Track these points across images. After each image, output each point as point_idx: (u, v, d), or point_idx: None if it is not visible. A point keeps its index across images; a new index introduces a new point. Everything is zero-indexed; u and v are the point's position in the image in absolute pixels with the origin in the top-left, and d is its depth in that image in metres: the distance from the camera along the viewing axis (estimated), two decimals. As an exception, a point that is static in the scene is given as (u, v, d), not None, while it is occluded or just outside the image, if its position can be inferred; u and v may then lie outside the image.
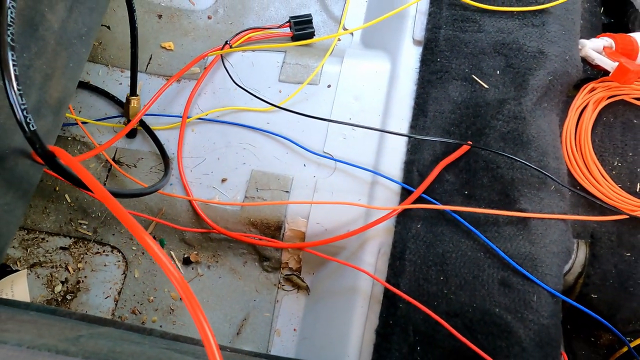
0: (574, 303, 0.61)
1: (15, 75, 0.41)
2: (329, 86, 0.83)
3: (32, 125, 0.43)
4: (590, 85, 0.75)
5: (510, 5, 0.75)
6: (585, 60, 0.77)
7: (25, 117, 0.42)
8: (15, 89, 0.41)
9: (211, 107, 0.85)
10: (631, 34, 0.80)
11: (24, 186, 0.55)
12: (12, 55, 0.41)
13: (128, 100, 0.81)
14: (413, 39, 0.80)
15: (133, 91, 0.80)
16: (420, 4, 0.82)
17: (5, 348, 0.34)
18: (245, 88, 0.80)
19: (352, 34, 0.94)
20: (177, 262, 0.80)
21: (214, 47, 0.92)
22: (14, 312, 0.49)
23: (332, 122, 0.78)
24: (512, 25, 0.75)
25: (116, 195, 0.60)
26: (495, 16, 0.76)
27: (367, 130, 0.77)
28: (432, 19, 0.78)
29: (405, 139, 0.74)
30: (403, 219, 0.68)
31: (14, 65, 0.40)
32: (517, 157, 0.65)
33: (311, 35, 0.91)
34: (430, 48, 0.77)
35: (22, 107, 0.41)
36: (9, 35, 0.41)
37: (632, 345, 0.70)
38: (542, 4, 0.74)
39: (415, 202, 0.68)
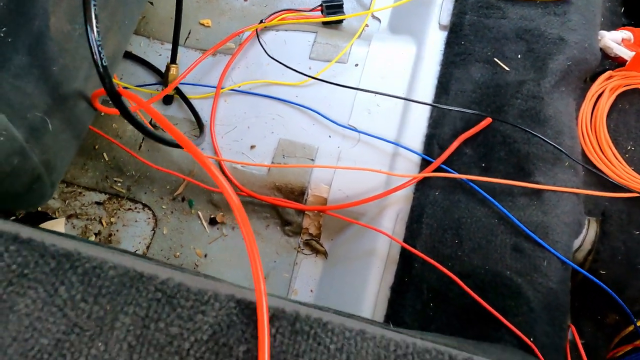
0: (582, 271, 0.64)
1: (96, 15, 0.46)
2: (356, 65, 0.87)
3: (105, 61, 0.48)
4: (608, 73, 0.79)
5: (535, -5, 0.80)
6: (603, 52, 0.81)
7: (100, 53, 0.47)
8: (95, 26, 0.46)
9: (244, 80, 0.90)
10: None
11: (79, 127, 0.60)
12: (94, -4, 0.46)
13: (168, 68, 0.86)
14: (439, 23, 0.85)
15: (173, 59, 0.86)
16: (447, -5, 0.87)
17: (73, 241, 0.39)
18: (278, 60, 0.86)
19: (379, 20, 0.99)
20: (203, 222, 0.84)
21: (248, 24, 0.97)
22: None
23: (358, 96, 0.83)
24: (534, 13, 0.79)
25: (163, 141, 0.66)
26: (518, 4, 0.80)
27: (390, 105, 0.82)
28: (458, 5, 0.83)
29: (426, 114, 0.78)
30: (422, 186, 0.72)
31: (94, 5, 0.46)
32: (534, 132, 0.69)
33: (341, 20, 0.96)
34: (455, 32, 0.81)
35: (98, 43, 0.47)
36: (90, -22, 0.46)
37: (638, 324, 0.72)
38: (565, -6, 0.79)
39: (434, 171, 0.72)
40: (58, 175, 0.59)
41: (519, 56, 0.76)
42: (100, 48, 0.47)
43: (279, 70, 0.88)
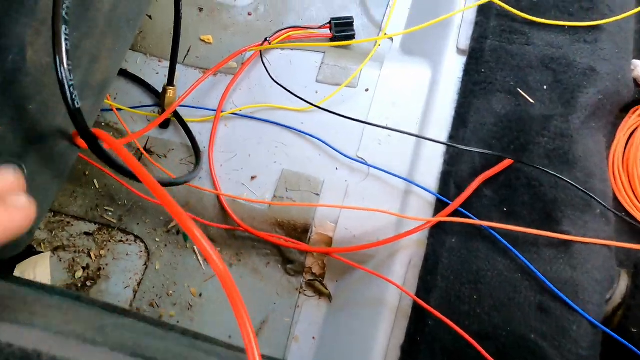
0: (618, 337, 0.58)
1: (67, 50, 0.40)
2: (366, 90, 0.81)
3: (77, 103, 0.42)
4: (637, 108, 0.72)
5: (562, 20, 0.73)
6: (636, 83, 0.74)
7: (72, 94, 0.41)
8: (65, 63, 0.40)
9: (246, 103, 0.84)
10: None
11: (60, 167, 0.54)
12: (65, 29, 0.41)
13: (164, 90, 0.80)
14: (457, 47, 0.78)
15: (170, 81, 0.80)
16: (467, 13, 0.81)
17: (34, 331, 0.33)
18: (282, 85, 0.80)
19: (391, 39, 0.92)
20: (199, 257, 0.79)
21: (252, 41, 0.91)
22: (40, 295, 0.48)
23: (367, 125, 0.76)
24: (562, 40, 0.72)
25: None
26: (545, 30, 0.73)
27: (403, 137, 0.76)
28: (478, 29, 0.76)
29: (442, 148, 0.72)
30: (437, 231, 0.66)
31: (66, 39, 0.40)
32: (562, 176, 0.62)
33: (351, 37, 0.89)
34: (475, 58, 0.75)
35: (70, 82, 0.41)
36: (64, 9, 0.41)
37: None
38: (595, 20, 0.72)
39: (451, 215, 0.66)
40: (37, 220, 0.53)
41: (545, 87, 0.70)
42: (71, 88, 0.41)
43: (284, 93, 0.82)
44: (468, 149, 0.67)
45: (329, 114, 0.78)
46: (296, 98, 0.80)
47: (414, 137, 0.75)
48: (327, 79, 0.83)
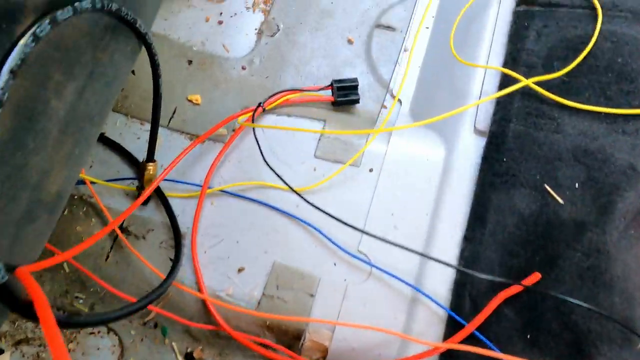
0: None
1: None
2: (370, 170, 0.72)
3: (3, 277, 0.34)
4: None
5: (598, 104, 0.64)
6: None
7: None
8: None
9: (235, 178, 0.75)
10: None
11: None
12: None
13: (144, 167, 0.72)
14: (475, 126, 0.70)
15: (150, 157, 0.71)
16: (487, 86, 0.71)
17: None
18: (272, 168, 0.70)
19: (400, 102, 0.83)
20: (178, 355, 0.70)
21: (245, 103, 0.82)
22: None
23: (370, 214, 0.68)
24: (597, 129, 0.63)
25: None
26: (577, 115, 0.64)
27: (410, 230, 0.67)
28: (500, 109, 0.67)
29: (456, 249, 0.63)
30: (448, 358, 0.57)
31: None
32: (597, 308, 0.53)
33: (355, 102, 0.80)
34: (496, 144, 0.66)
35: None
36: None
37: None
38: (637, 107, 0.63)
39: (465, 339, 0.57)
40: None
41: (577, 185, 0.61)
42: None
43: (278, 167, 0.73)
44: (486, 277, 0.58)
45: (328, 194, 0.70)
46: (292, 173, 0.71)
47: (424, 232, 0.66)
48: (327, 155, 0.74)
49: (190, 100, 0.82)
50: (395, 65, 0.85)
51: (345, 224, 0.63)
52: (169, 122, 0.80)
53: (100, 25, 0.46)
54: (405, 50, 0.86)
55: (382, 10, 0.90)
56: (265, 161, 0.70)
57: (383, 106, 0.82)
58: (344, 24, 0.89)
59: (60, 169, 0.47)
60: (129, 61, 0.53)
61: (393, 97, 0.82)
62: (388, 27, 0.88)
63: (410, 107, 0.80)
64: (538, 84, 0.64)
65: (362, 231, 0.63)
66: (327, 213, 0.64)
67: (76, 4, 0.40)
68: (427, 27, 0.87)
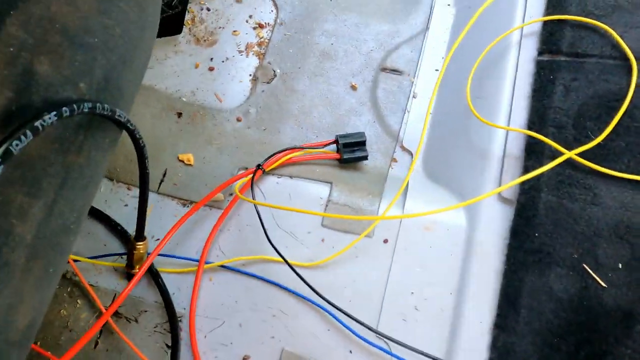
0: None
1: None
2: (385, 241, 0.65)
3: None
4: None
5: (638, 173, 0.57)
6: None
7: None
8: None
9: (236, 250, 0.67)
10: None
11: None
12: None
13: (132, 246, 0.64)
14: (500, 194, 0.63)
15: (139, 235, 0.64)
16: (510, 145, 0.65)
17: None
18: (274, 245, 0.62)
19: (411, 154, 0.76)
20: None
21: (242, 161, 0.75)
22: None
23: (387, 293, 0.61)
24: (640, 201, 0.57)
25: None
26: (616, 184, 0.57)
27: (434, 311, 0.60)
28: (528, 179, 0.60)
29: (487, 338, 0.56)
30: None
31: None
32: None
33: (364, 158, 0.73)
34: (526, 217, 0.59)
35: None
36: None
37: None
38: (682, 175, 0.56)
39: None
40: None
41: (620, 266, 0.54)
42: None
43: (282, 237, 0.66)
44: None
45: (338, 269, 0.63)
46: (298, 246, 0.64)
47: (449, 315, 0.59)
48: (335, 224, 0.66)
49: (181, 161, 0.74)
50: (404, 113, 0.78)
51: (357, 321, 0.56)
52: (159, 186, 0.73)
53: (70, 126, 0.38)
54: (414, 97, 0.79)
55: (387, 51, 0.83)
56: (267, 237, 0.63)
57: (393, 160, 0.75)
58: (346, 68, 0.82)
59: (30, 298, 0.39)
60: (107, 153, 0.46)
61: (403, 149, 0.76)
62: (394, 71, 0.81)
63: (423, 162, 0.73)
64: (564, 143, 0.58)
65: (373, 330, 0.56)
66: (335, 306, 0.57)
67: (63, 108, 0.33)
68: (437, 70, 0.80)
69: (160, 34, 0.80)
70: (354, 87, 0.80)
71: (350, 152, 0.72)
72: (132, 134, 0.46)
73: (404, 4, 0.87)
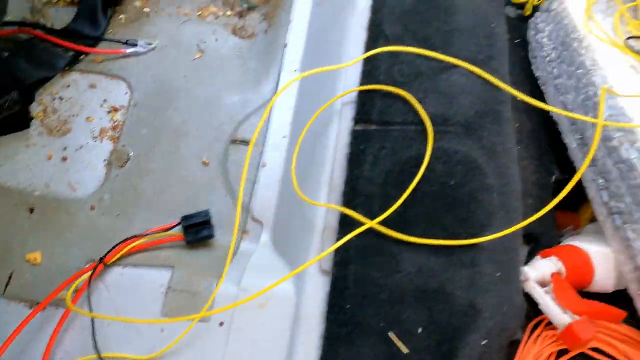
0: None
1: None
2: (221, 324, 0.66)
3: None
4: (536, 332, 0.60)
5: (434, 236, 0.60)
6: (528, 297, 0.62)
7: None
8: None
9: (84, 349, 0.68)
10: (581, 245, 0.65)
11: None
12: None
13: (-36, 363, 0.64)
14: (320, 266, 0.65)
15: (-29, 350, 0.63)
16: (331, 216, 0.67)
17: None
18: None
19: (261, 224, 0.78)
20: None
21: (93, 252, 0.74)
22: None
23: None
24: (436, 265, 0.59)
25: None
26: (415, 250, 0.60)
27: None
28: (340, 249, 0.62)
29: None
30: None
31: None
32: None
33: (209, 237, 0.75)
34: (340, 289, 0.61)
35: None
36: None
37: None
38: (473, 235, 0.59)
39: None
40: None
41: (420, 331, 0.57)
42: None
43: (124, 330, 0.66)
44: None
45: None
46: (140, 340, 0.65)
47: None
48: (174, 311, 0.67)
49: (28, 260, 0.74)
50: (254, 184, 0.80)
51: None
52: (5, 289, 0.72)
53: None
54: (263, 166, 0.81)
55: (238, 122, 0.85)
56: (95, 345, 0.63)
57: (245, 232, 0.77)
58: (198, 144, 0.84)
59: None
60: None
61: (254, 220, 0.78)
62: (243, 142, 0.84)
63: (272, 233, 0.75)
64: (368, 212, 0.61)
65: None
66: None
67: None
68: (284, 136, 0.83)
69: (4, 132, 0.81)
70: (205, 163, 0.82)
71: (194, 232, 0.73)
72: None
73: (255, 73, 0.90)
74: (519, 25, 0.88)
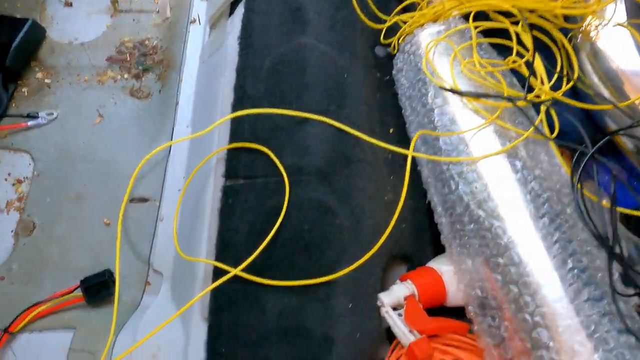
0: None
1: None
2: (121, 380, 0.71)
3: None
4: (395, 354, 0.67)
5: (292, 278, 0.66)
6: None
7: None
8: None
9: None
10: (435, 265, 0.72)
11: None
12: None
13: None
14: (202, 315, 0.70)
15: None
16: (209, 268, 0.72)
17: None
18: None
19: (162, 275, 0.83)
20: None
21: (3, 321, 0.79)
22: None
23: None
24: (296, 303, 0.65)
25: None
26: (278, 292, 0.65)
27: None
28: (212, 298, 0.67)
29: None
30: None
31: None
32: None
33: (108, 295, 0.79)
34: (215, 335, 0.65)
35: None
36: None
37: None
38: (327, 273, 0.66)
39: None
40: None
41: (284, 367, 0.62)
42: None
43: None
44: None
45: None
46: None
47: None
48: (76, 372, 0.72)
49: (-61, 340, 0.77)
50: (153, 238, 0.85)
51: None
52: None
53: None
54: (161, 220, 0.86)
55: (136, 181, 0.90)
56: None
57: (147, 283, 0.82)
58: (99, 206, 0.88)
59: None
60: None
61: (155, 272, 0.82)
62: (141, 199, 0.89)
63: (172, 283, 0.80)
64: (236, 261, 0.66)
65: None
66: None
67: None
68: (179, 190, 0.88)
69: None
70: (106, 223, 0.87)
71: (94, 292, 0.78)
72: None
73: (150, 131, 0.95)
74: (388, 64, 0.95)
